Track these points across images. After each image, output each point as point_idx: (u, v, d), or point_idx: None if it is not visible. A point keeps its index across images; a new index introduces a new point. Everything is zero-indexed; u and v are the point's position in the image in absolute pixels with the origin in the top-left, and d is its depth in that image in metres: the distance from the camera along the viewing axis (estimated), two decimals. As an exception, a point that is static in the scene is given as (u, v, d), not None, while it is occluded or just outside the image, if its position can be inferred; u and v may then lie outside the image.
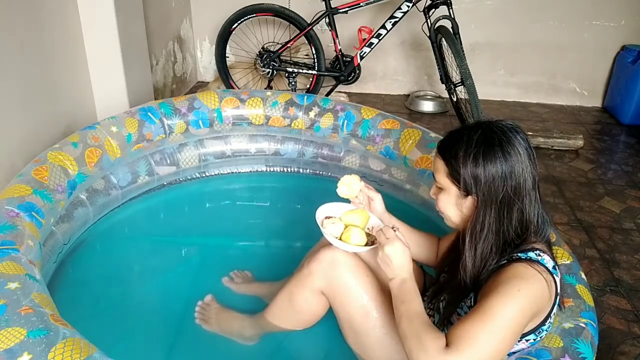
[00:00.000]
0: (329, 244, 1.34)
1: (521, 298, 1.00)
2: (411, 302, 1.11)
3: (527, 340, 1.10)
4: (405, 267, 1.16)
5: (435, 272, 1.40)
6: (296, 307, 1.41)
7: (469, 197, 1.13)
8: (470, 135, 1.10)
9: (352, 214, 1.38)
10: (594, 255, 2.11)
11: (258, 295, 1.70)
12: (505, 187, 1.08)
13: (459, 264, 1.15)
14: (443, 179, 1.16)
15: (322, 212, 1.40)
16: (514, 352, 1.12)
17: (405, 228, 1.42)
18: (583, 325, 1.20)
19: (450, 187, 1.15)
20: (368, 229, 1.38)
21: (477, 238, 1.11)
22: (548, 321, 1.09)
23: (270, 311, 1.48)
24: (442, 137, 1.20)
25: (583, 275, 1.40)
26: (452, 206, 1.17)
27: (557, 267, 1.09)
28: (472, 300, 1.13)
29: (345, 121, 2.20)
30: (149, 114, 2.08)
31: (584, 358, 1.12)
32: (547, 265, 1.06)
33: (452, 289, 1.20)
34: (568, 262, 1.42)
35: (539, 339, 1.11)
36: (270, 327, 1.49)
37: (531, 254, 1.07)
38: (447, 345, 0.99)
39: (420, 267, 1.49)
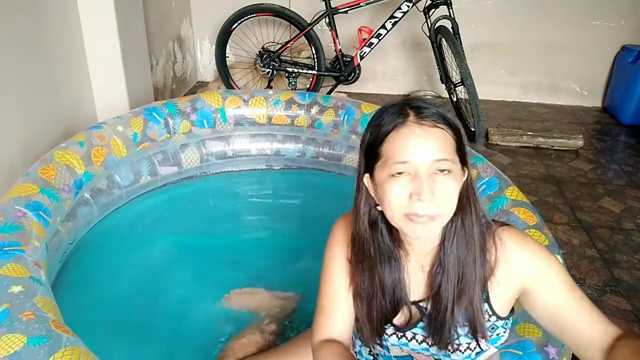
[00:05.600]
0: None
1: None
2: None
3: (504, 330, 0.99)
4: None
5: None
6: None
7: (464, 171, 0.89)
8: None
9: None
10: (594, 255, 2.11)
11: (258, 309, 1.65)
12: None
13: (437, 290, 0.91)
14: (452, 155, 0.86)
15: None
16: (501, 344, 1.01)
17: None
18: None
19: (457, 166, 0.87)
20: None
21: (466, 222, 0.89)
22: None
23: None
24: (424, 106, 0.88)
25: (560, 259, 1.34)
26: (456, 194, 0.87)
27: None
28: (489, 309, 0.93)
29: (346, 116, 2.23)
30: (153, 113, 2.09)
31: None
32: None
33: (441, 320, 0.91)
34: (546, 244, 1.39)
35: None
36: None
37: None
38: None
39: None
